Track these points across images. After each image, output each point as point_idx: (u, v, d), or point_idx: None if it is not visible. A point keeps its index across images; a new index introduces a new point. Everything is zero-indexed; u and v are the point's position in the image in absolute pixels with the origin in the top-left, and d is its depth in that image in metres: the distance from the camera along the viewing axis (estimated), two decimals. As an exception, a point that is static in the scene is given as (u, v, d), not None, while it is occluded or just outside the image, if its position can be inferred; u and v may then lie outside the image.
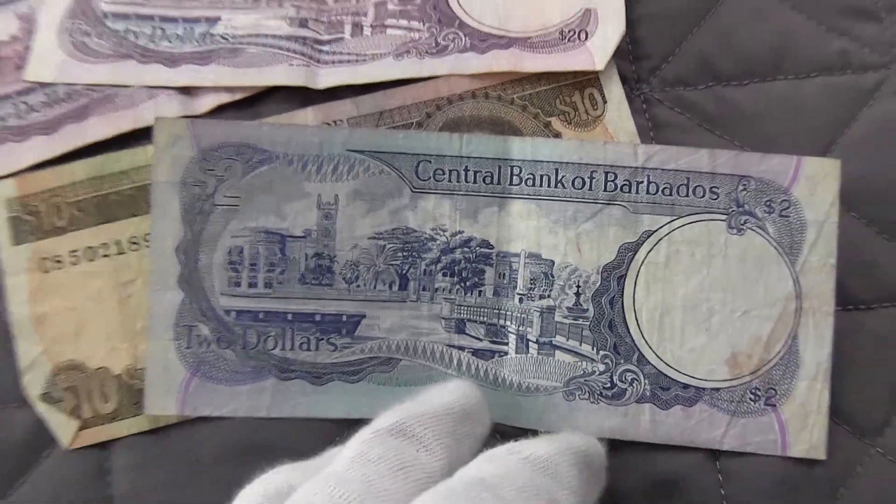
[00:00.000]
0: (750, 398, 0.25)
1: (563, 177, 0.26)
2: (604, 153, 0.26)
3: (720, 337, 0.25)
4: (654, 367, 0.25)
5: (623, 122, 0.27)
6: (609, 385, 0.25)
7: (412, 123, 0.27)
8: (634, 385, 0.25)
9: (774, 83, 0.29)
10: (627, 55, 0.29)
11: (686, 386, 0.25)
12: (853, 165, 0.27)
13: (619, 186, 0.25)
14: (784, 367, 0.25)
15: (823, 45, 0.29)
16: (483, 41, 0.28)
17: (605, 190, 0.25)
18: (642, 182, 0.25)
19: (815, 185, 0.25)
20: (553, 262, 0.25)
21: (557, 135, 0.27)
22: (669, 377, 0.25)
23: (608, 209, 0.25)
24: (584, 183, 0.26)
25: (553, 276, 0.25)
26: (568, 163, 0.26)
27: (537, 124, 0.27)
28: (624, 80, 0.28)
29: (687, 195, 0.25)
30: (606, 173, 0.26)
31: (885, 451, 0.25)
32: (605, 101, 0.28)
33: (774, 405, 0.25)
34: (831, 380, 0.25)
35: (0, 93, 0.29)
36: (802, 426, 0.25)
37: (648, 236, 0.25)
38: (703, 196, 0.25)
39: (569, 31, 0.28)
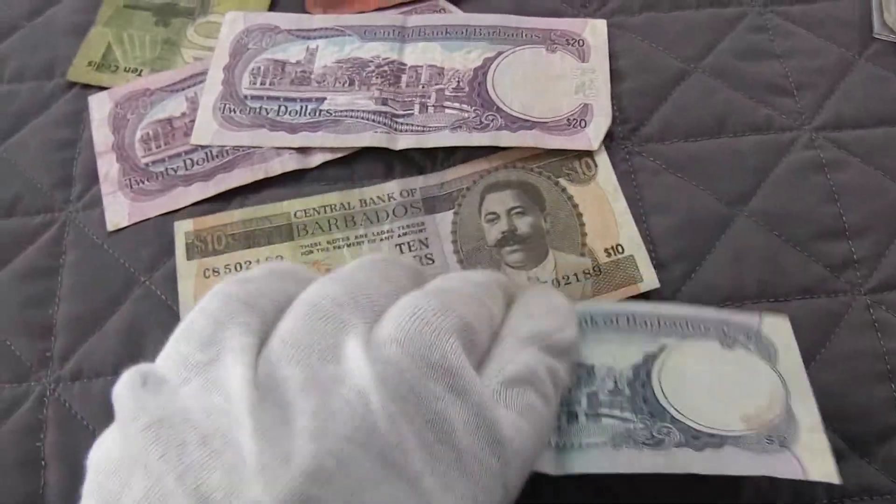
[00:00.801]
0: (766, 442, 0.30)
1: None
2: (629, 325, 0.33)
3: (731, 407, 0.31)
4: (684, 423, 0.30)
5: (609, 178, 0.38)
6: (649, 437, 0.30)
7: (463, 188, 0.39)
8: (671, 436, 0.30)
9: (720, 139, 0.40)
10: (616, 120, 0.40)
11: (712, 435, 0.30)
12: (775, 198, 0.38)
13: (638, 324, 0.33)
14: (786, 424, 0.30)
15: (754, 113, 0.41)
16: (514, 123, 0.39)
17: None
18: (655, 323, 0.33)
19: (775, 327, 0.33)
20: (593, 365, 0.32)
21: (564, 190, 0.38)
22: (697, 430, 0.30)
23: (634, 335, 0.33)
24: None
25: (594, 373, 0.32)
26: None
27: (550, 184, 0.38)
28: (612, 138, 0.40)
29: (688, 328, 0.33)
30: (628, 318, 0.33)
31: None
32: (596, 167, 0.39)
33: (787, 446, 0.29)
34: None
35: (173, 152, 0.40)
36: (814, 460, 0.29)
37: (663, 349, 0.32)
38: (700, 329, 0.33)
39: (573, 119, 0.40)
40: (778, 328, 0.33)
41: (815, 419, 0.31)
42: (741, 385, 0.32)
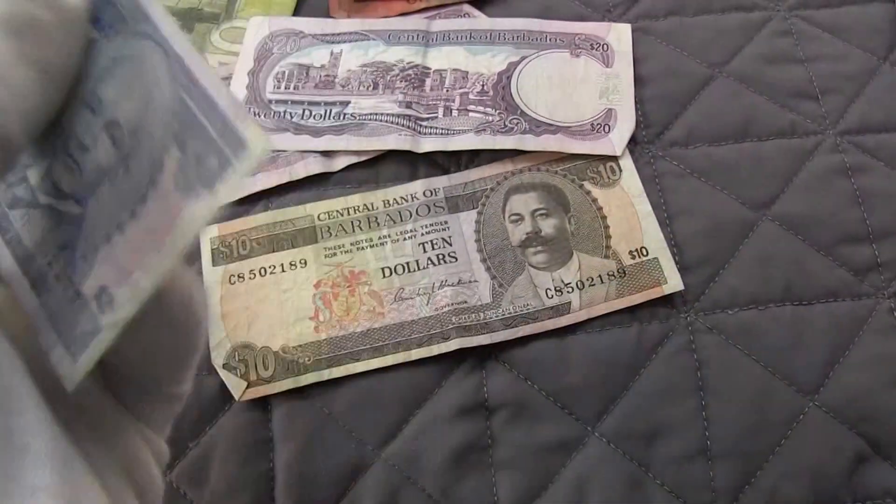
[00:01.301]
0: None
1: None
2: None
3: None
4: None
5: (634, 182, 0.40)
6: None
7: (487, 188, 0.41)
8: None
9: (744, 144, 0.42)
10: (640, 125, 0.42)
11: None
12: (799, 202, 0.40)
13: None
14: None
15: (778, 118, 0.42)
16: (538, 127, 0.41)
17: None
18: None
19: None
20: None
21: (589, 193, 0.40)
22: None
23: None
24: None
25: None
26: None
27: (575, 187, 0.40)
28: (637, 142, 0.42)
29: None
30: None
31: (825, 407, 0.36)
32: (620, 170, 0.41)
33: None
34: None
35: (198, 156, 0.43)
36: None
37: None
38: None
39: (597, 125, 0.42)
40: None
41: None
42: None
